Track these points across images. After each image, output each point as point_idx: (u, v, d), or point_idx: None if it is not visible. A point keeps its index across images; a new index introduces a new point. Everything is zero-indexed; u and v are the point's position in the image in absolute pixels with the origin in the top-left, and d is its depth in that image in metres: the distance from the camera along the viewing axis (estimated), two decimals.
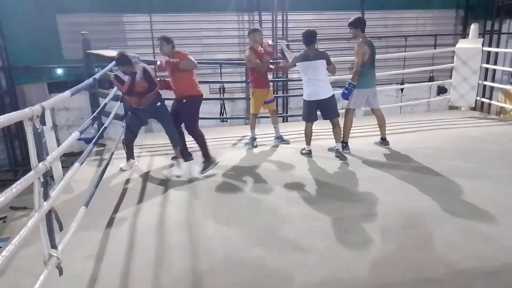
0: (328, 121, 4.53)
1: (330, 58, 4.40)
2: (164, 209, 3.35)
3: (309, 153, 4.60)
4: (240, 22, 9.27)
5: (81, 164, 2.80)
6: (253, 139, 5.17)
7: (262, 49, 4.85)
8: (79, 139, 3.11)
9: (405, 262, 2.49)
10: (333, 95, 4.45)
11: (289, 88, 9.37)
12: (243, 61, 9.11)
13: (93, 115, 3.58)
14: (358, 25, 4.50)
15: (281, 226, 2.98)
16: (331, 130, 4.56)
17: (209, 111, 8.67)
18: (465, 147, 4.73)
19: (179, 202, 3.46)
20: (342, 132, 4.57)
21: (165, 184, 3.90)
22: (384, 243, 2.71)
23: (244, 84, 8.85)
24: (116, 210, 3.35)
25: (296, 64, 4.48)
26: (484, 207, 3.14)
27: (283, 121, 8.15)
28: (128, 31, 8.64)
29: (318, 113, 4.54)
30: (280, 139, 5.27)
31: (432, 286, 2.28)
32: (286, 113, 9.17)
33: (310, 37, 4.39)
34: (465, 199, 3.33)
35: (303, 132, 4.64)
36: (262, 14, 9.14)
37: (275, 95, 9.19)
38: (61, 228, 2.20)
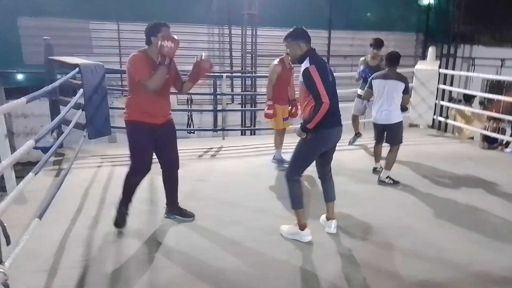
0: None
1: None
2: None
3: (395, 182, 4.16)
4: (210, 35, 9.33)
5: (36, 174, 2.68)
6: (279, 160, 4.68)
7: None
8: (36, 148, 2.99)
9: (362, 274, 2.55)
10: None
11: (257, 102, 9.48)
12: (211, 73, 9.12)
13: (51, 123, 3.44)
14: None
15: (243, 239, 2.97)
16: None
17: (176, 122, 8.59)
18: (422, 163, 4.95)
19: (139, 215, 3.37)
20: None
21: None
22: (343, 257, 2.77)
23: (211, 97, 8.85)
24: (72, 222, 3.21)
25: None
26: (438, 221, 3.29)
27: (251, 134, 8.22)
28: (95, 38, 8.45)
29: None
30: (279, 162, 4.70)
31: None
32: (254, 126, 9.24)
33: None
34: (422, 213, 3.48)
35: (271, 145, 4.68)
36: (232, 28, 9.26)
37: (242, 108, 9.32)
38: (8, 242, 2.08)
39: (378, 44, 5.13)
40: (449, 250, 2.86)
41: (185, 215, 3.28)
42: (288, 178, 2.91)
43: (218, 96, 7.32)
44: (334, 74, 2.89)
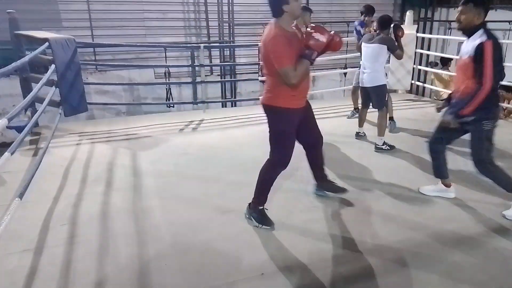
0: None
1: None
2: (108, 197, 3.23)
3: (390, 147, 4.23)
4: (185, 4, 9.01)
5: (12, 154, 2.61)
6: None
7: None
8: (9, 127, 2.89)
9: (346, 235, 2.64)
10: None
11: (237, 73, 9.35)
12: (189, 44, 8.88)
13: (24, 101, 3.31)
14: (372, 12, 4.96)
15: (229, 210, 3.01)
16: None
17: (155, 96, 8.44)
18: (402, 127, 5.04)
19: (124, 190, 3.36)
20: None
21: (109, 172, 3.76)
22: (328, 221, 2.85)
23: (190, 69, 8.66)
24: (55, 201, 3.17)
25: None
26: (419, 183, 3.42)
27: (232, 106, 8.16)
28: (63, 11, 8.05)
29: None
30: None
31: (369, 258, 2.44)
32: (235, 97, 9.16)
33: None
34: (403, 175, 3.59)
35: (253, 116, 4.66)
36: None
37: (222, 79, 9.19)
38: None
39: (369, 10, 4.99)
40: (428, 210, 2.98)
41: (337, 190, 3.12)
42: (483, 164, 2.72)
43: (197, 68, 7.15)
44: None
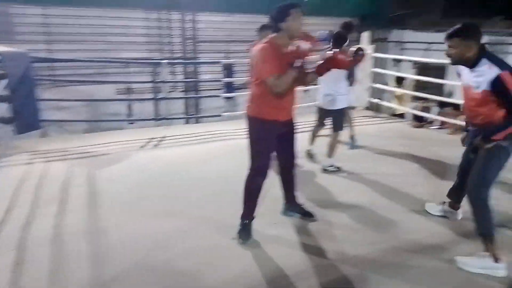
0: None
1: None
2: (61, 219, 3.07)
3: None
4: (148, 20, 8.93)
5: None
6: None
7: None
8: None
9: (304, 252, 2.66)
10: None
11: (200, 89, 9.32)
12: (151, 60, 8.76)
13: None
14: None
15: (189, 228, 2.95)
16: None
17: (116, 113, 8.21)
18: (361, 142, 5.21)
19: (79, 210, 3.21)
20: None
21: (63, 192, 3.58)
22: (287, 241, 2.86)
23: (150, 84, 8.53)
24: (2, 224, 2.97)
25: None
26: (375, 196, 3.51)
27: (195, 122, 8.10)
28: (17, 24, 7.72)
29: None
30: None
31: (328, 271, 2.46)
32: (198, 114, 9.10)
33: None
34: (360, 188, 3.69)
35: (216, 133, 4.64)
36: (171, 13, 8.95)
37: (185, 95, 9.12)
38: None
39: (348, 27, 4.89)
40: (386, 222, 3.07)
41: (306, 214, 3.06)
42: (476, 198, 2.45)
43: (159, 84, 7.07)
44: None
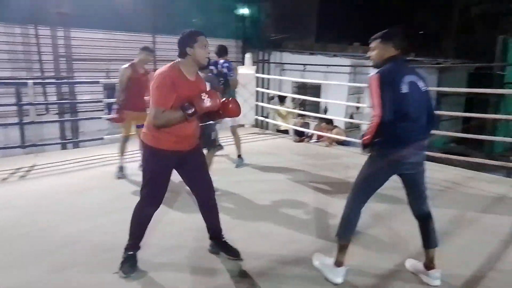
0: None
1: None
2: None
3: None
4: (11, 35, 7.89)
5: None
6: (121, 168, 4.49)
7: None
8: None
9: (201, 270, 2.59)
10: None
11: (79, 111, 8.55)
12: (13, 80, 7.74)
13: None
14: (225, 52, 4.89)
15: (69, 265, 2.61)
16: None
17: None
18: (249, 158, 5.39)
19: None
20: None
21: None
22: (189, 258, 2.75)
23: (15, 107, 7.49)
24: None
25: None
26: (262, 209, 3.64)
27: (73, 147, 7.36)
28: None
29: None
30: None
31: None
32: (77, 138, 8.31)
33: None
34: (247, 203, 3.78)
35: (97, 157, 4.27)
36: (38, 28, 8.07)
37: (60, 118, 8.25)
38: None
39: (222, 51, 4.89)
40: (273, 234, 3.18)
41: (231, 254, 2.75)
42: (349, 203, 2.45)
43: (27, 107, 6.23)
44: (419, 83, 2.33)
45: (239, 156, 5.16)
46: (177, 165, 2.54)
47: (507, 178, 5.55)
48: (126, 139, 4.53)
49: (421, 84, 2.33)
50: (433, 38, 14.46)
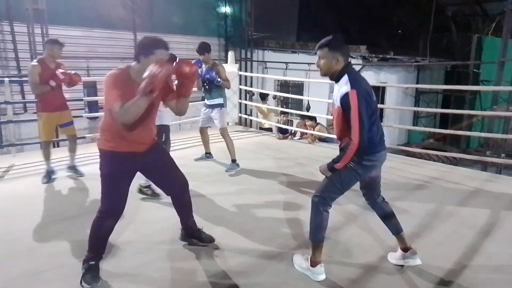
0: None
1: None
2: None
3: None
4: None
5: None
6: (49, 172, 4.29)
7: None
8: None
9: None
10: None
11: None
12: None
13: None
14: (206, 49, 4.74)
15: (43, 267, 2.56)
16: None
17: None
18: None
19: None
20: None
21: None
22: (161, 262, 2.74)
23: None
24: None
25: None
26: (246, 206, 3.66)
27: (54, 146, 7.17)
28: None
29: None
30: (73, 170, 4.45)
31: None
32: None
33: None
34: (232, 200, 3.80)
35: (80, 156, 4.19)
36: (14, 24, 7.85)
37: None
38: None
39: (202, 48, 4.78)
40: (256, 230, 3.20)
41: (205, 239, 2.89)
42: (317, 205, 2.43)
43: (3, 106, 6.06)
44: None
45: (234, 160, 4.85)
46: (139, 167, 2.50)
47: (483, 172, 5.76)
48: (47, 144, 4.29)
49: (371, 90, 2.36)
50: (409, 37, 14.80)
